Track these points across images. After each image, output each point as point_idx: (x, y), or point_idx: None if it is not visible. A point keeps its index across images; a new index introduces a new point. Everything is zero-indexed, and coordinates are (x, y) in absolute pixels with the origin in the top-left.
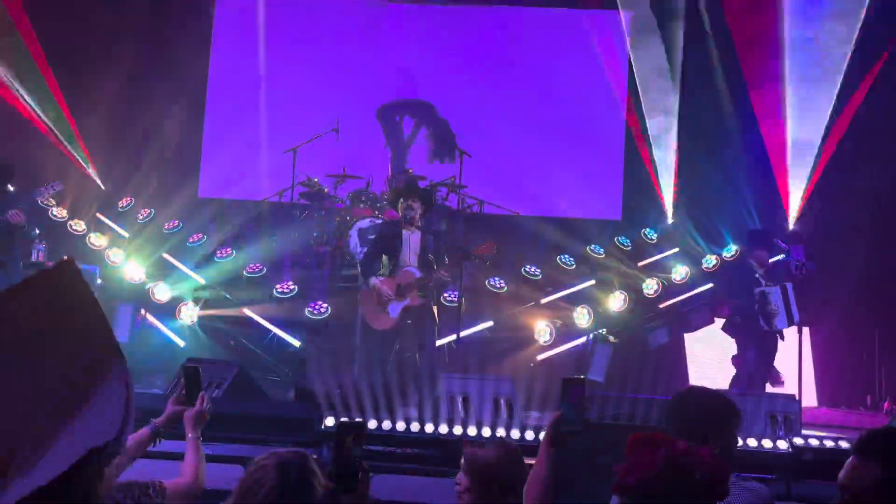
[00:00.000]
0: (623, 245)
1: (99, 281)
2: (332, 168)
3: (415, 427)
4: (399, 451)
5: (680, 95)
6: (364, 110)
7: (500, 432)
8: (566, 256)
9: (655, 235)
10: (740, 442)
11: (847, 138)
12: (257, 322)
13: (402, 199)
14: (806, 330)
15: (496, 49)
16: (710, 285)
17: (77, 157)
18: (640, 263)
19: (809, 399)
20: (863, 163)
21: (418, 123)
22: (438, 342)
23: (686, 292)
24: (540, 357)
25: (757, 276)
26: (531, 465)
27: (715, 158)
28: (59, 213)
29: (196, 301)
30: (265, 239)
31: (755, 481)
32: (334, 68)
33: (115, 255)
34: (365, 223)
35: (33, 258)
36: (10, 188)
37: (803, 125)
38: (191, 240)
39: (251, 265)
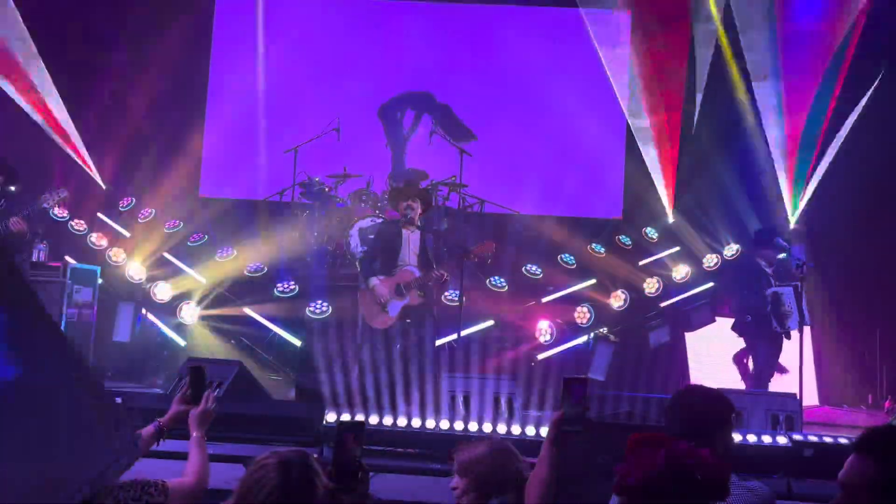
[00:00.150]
0: (624, 244)
1: (100, 280)
2: (333, 167)
3: (416, 423)
4: (400, 449)
5: (684, 94)
6: (365, 109)
7: (502, 429)
8: (567, 255)
9: (656, 234)
10: (740, 438)
11: (845, 135)
12: (258, 321)
13: (401, 199)
14: (807, 329)
15: (497, 48)
16: (710, 284)
17: (77, 156)
18: (641, 262)
19: (811, 398)
20: (863, 161)
21: (419, 114)
22: (439, 341)
23: (687, 291)
24: (540, 356)
25: (767, 273)
26: (531, 464)
27: (716, 157)
28: (59, 212)
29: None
30: (266, 238)
31: (756, 481)
32: (335, 68)
33: (116, 255)
34: (366, 222)
35: (34, 258)
36: (12, 188)
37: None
38: (192, 239)
39: (252, 265)
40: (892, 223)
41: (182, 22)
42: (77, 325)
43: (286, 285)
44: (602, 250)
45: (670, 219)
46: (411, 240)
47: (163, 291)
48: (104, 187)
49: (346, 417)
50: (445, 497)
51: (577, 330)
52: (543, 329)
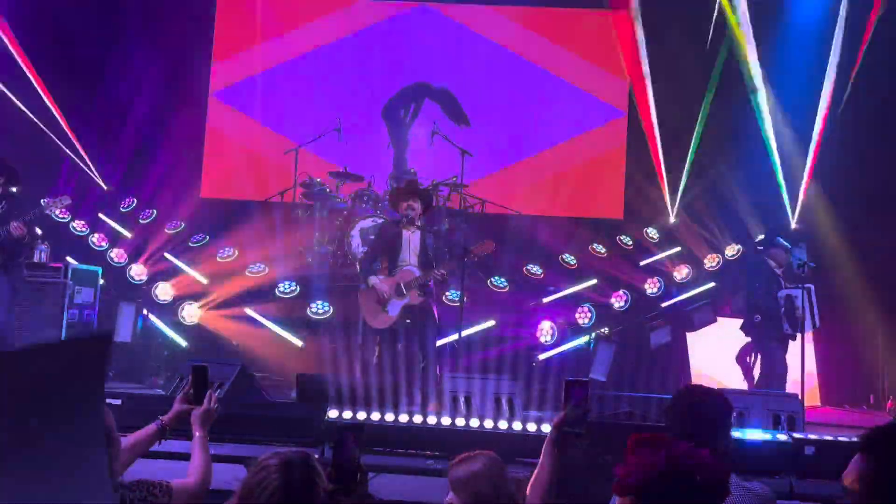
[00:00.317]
0: (625, 244)
1: (101, 281)
2: (334, 168)
3: (417, 419)
4: (401, 450)
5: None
6: (366, 110)
7: (503, 425)
8: (568, 255)
9: (657, 234)
10: (741, 435)
11: (845, 135)
12: (259, 321)
13: (402, 199)
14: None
15: (498, 48)
16: (711, 284)
17: (79, 157)
18: (643, 262)
19: (813, 398)
20: (864, 161)
21: (419, 102)
22: (440, 342)
23: (688, 291)
24: (541, 356)
25: (777, 275)
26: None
27: (718, 157)
28: (61, 214)
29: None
30: (267, 239)
31: (757, 481)
32: (336, 68)
33: (118, 256)
34: (367, 223)
35: (36, 259)
36: (14, 190)
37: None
38: (193, 240)
39: (253, 265)
40: (895, 223)
41: (183, 22)
42: (78, 326)
43: (287, 286)
44: (603, 250)
45: (671, 219)
46: (412, 240)
47: (164, 292)
48: (105, 188)
49: (347, 414)
50: (446, 497)
51: (578, 330)
52: (544, 329)
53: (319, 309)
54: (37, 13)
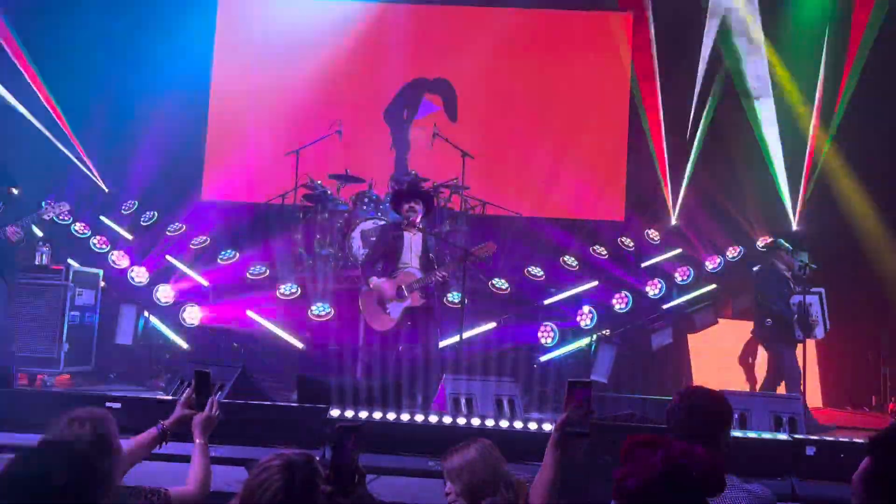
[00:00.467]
0: (626, 245)
1: (102, 284)
2: (335, 170)
3: (419, 418)
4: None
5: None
6: (367, 112)
7: (504, 423)
8: (569, 257)
9: (658, 236)
10: (743, 436)
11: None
12: (260, 323)
13: (403, 201)
14: None
15: (499, 50)
16: (713, 286)
17: (80, 160)
18: (644, 264)
19: (815, 400)
20: (864, 161)
21: (417, 100)
22: (441, 343)
23: (689, 293)
24: (543, 358)
25: (787, 278)
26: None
27: (719, 158)
28: (62, 217)
29: None
30: (268, 241)
31: (758, 483)
32: (337, 70)
33: (119, 258)
34: (368, 225)
35: (37, 261)
36: (15, 192)
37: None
38: (194, 242)
39: (254, 267)
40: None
41: (184, 25)
42: (79, 328)
43: (288, 287)
44: (604, 252)
45: (673, 220)
46: (413, 242)
47: (165, 294)
48: (106, 190)
49: (349, 414)
50: (445, 498)
51: (579, 332)
52: (546, 331)
53: (320, 311)
54: (39, 15)
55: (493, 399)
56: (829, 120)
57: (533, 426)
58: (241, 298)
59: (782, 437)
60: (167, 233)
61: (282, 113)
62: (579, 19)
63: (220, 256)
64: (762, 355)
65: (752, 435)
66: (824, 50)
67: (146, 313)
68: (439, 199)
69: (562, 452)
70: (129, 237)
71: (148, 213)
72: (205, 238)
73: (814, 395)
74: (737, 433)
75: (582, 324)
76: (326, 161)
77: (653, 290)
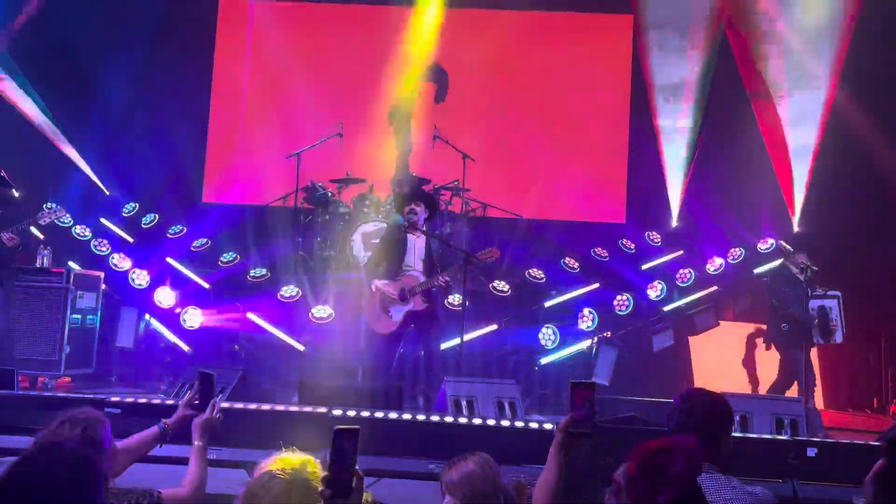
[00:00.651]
0: (627, 247)
1: (103, 286)
2: (336, 172)
3: (420, 417)
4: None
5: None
6: (368, 114)
7: (505, 422)
8: (570, 259)
9: (659, 238)
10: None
11: (845, 139)
12: (261, 325)
13: (405, 204)
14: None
15: (500, 52)
16: (714, 288)
17: (81, 162)
18: (645, 266)
19: (816, 402)
20: (864, 163)
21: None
22: (442, 346)
23: (690, 295)
24: (544, 360)
25: (800, 280)
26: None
27: (720, 161)
28: (63, 219)
29: None
30: (269, 243)
31: (759, 485)
32: (337, 73)
33: (120, 261)
34: (369, 227)
35: (38, 264)
36: (16, 194)
37: (804, 128)
38: (195, 245)
39: (255, 270)
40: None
41: (185, 28)
42: (80, 331)
43: (289, 290)
44: (605, 254)
45: (674, 222)
46: (417, 245)
47: (166, 297)
48: (107, 193)
49: (352, 413)
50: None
51: (580, 334)
52: (547, 333)
53: (321, 313)
54: (40, 18)
55: (493, 401)
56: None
57: (534, 425)
58: (242, 301)
59: (785, 440)
60: (168, 235)
61: (283, 115)
62: (580, 21)
63: (221, 259)
64: (763, 357)
65: (753, 439)
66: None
67: (147, 316)
68: (439, 202)
69: (565, 454)
70: (130, 240)
71: (149, 215)
72: (206, 240)
73: (816, 397)
74: (737, 434)
75: (583, 326)
76: (327, 164)
77: (654, 292)
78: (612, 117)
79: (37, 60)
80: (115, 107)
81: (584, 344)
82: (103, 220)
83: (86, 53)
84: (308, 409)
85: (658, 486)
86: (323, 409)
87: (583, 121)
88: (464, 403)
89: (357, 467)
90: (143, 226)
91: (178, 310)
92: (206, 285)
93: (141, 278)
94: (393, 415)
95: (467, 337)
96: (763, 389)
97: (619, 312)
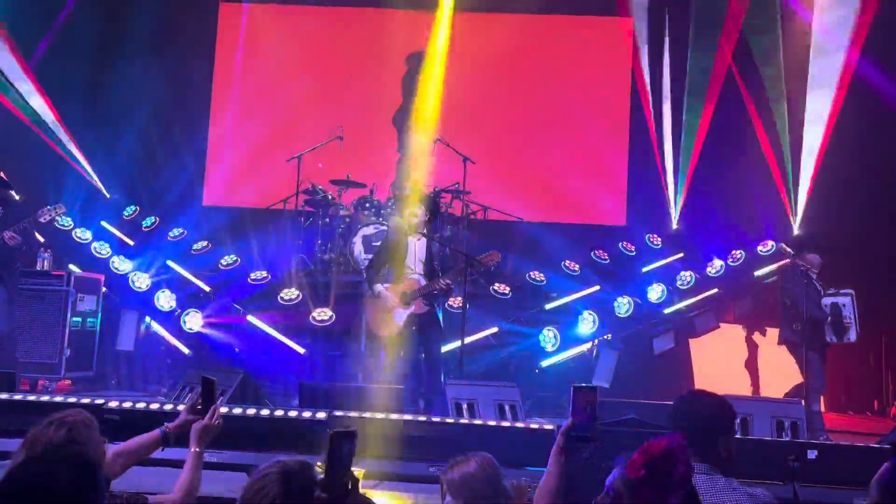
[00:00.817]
0: (627, 250)
1: (104, 289)
2: (336, 175)
3: (421, 419)
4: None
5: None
6: (368, 117)
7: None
8: (570, 262)
9: (660, 240)
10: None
11: (845, 141)
12: (262, 328)
13: (406, 206)
14: None
15: (500, 56)
16: (714, 290)
17: (81, 165)
18: (645, 269)
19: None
20: (864, 165)
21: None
22: (443, 348)
23: (690, 297)
24: (544, 363)
25: (813, 279)
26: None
27: (720, 164)
28: (63, 221)
29: None
30: (269, 246)
31: (760, 487)
32: (338, 76)
33: (120, 264)
34: (369, 230)
35: (38, 267)
36: (16, 196)
37: (806, 131)
38: (195, 247)
39: (255, 272)
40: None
41: (185, 31)
42: (80, 334)
43: (290, 293)
44: (606, 256)
45: (674, 225)
46: (417, 247)
47: (166, 299)
48: (108, 195)
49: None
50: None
51: (580, 337)
52: (547, 336)
53: (321, 316)
54: (38, 19)
55: (494, 404)
56: None
57: (535, 427)
58: (242, 303)
59: (785, 443)
60: (168, 238)
61: (283, 118)
62: (580, 25)
63: (222, 261)
64: (764, 360)
65: (754, 441)
66: None
67: (147, 319)
68: (440, 205)
69: (566, 457)
70: (131, 242)
71: (149, 218)
72: (206, 243)
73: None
74: (737, 436)
75: (583, 328)
76: (328, 167)
77: (654, 294)
78: (612, 120)
79: (40, 62)
80: (116, 109)
81: (585, 346)
82: (104, 223)
83: (87, 56)
84: (308, 412)
85: (667, 490)
86: (321, 419)
87: (583, 123)
88: (464, 406)
89: (353, 470)
90: (143, 228)
91: (178, 312)
92: (207, 288)
93: (141, 281)
94: (393, 417)
95: (468, 339)
96: (764, 391)
97: (620, 315)
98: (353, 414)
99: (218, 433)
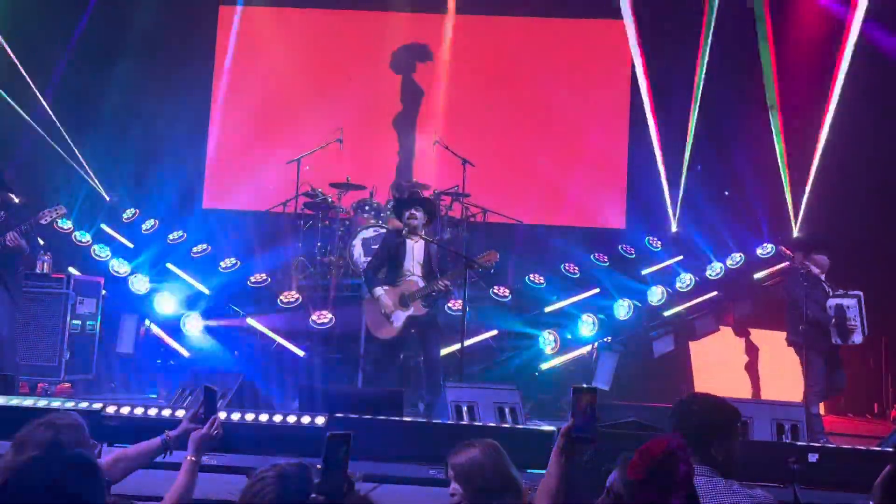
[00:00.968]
0: (627, 253)
1: (104, 292)
2: (336, 178)
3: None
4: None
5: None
6: (368, 120)
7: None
8: (570, 265)
9: (660, 243)
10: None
11: (845, 142)
12: (262, 332)
13: (405, 209)
14: None
15: (500, 58)
16: (714, 293)
17: (81, 168)
18: (645, 271)
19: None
20: (863, 168)
21: (416, 104)
22: (442, 351)
23: (690, 300)
24: (544, 366)
25: (821, 280)
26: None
27: (720, 166)
28: (63, 224)
29: None
30: (269, 249)
31: (760, 489)
32: (337, 78)
33: (120, 267)
34: (369, 233)
35: (38, 269)
36: (16, 199)
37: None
38: (195, 250)
39: (255, 275)
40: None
41: (185, 34)
42: (80, 337)
43: (290, 296)
44: (605, 259)
45: (674, 227)
46: (415, 249)
47: (166, 302)
48: (108, 198)
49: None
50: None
51: (580, 339)
52: (547, 339)
53: (321, 319)
54: (42, 24)
55: (494, 407)
56: None
57: (535, 429)
58: (242, 306)
59: (786, 445)
60: (168, 240)
61: (283, 121)
62: (580, 27)
63: (221, 264)
64: (764, 362)
65: (754, 444)
66: None
67: (147, 322)
68: (440, 207)
69: (566, 459)
70: (130, 245)
71: (149, 220)
72: (206, 246)
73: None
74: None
75: (583, 331)
76: (328, 169)
77: (654, 297)
78: (611, 123)
79: (40, 65)
80: (116, 112)
81: (585, 349)
82: (103, 226)
83: (87, 60)
84: (308, 415)
85: (669, 490)
86: (320, 426)
87: (582, 126)
88: (464, 409)
89: (348, 473)
90: (143, 231)
91: (178, 314)
92: (207, 291)
93: (141, 284)
94: (393, 420)
95: (468, 342)
96: (765, 394)
97: (620, 318)
98: (352, 416)
99: (216, 443)
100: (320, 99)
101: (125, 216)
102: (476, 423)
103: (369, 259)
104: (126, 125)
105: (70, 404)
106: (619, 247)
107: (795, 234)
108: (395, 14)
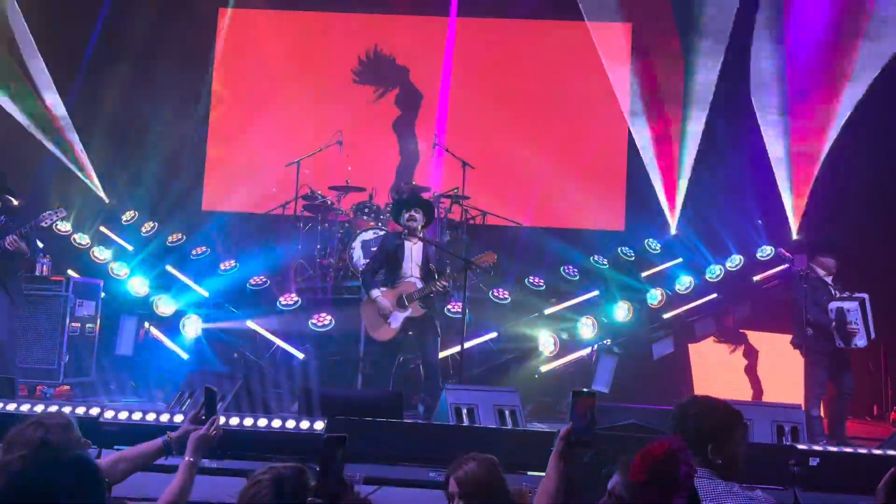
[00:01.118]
0: (626, 255)
1: (103, 294)
2: (335, 180)
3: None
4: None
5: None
6: (367, 122)
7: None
8: (569, 267)
9: (659, 246)
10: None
11: (846, 145)
12: (261, 334)
13: (404, 211)
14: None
15: (500, 61)
16: (713, 295)
17: (80, 170)
18: (644, 274)
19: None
20: (864, 169)
21: (415, 109)
22: (442, 353)
23: (690, 302)
24: (544, 368)
25: (827, 283)
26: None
27: (719, 168)
28: (62, 226)
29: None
30: (268, 251)
31: (760, 491)
32: (337, 80)
33: (119, 269)
34: (368, 235)
35: (37, 272)
36: (15, 202)
37: (805, 134)
38: (194, 252)
39: (255, 278)
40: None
41: (185, 36)
42: (79, 339)
43: (289, 298)
44: (604, 262)
45: (673, 230)
46: (414, 251)
47: (165, 305)
48: (107, 201)
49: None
50: None
51: (580, 342)
52: (547, 341)
53: (320, 321)
54: (42, 25)
55: (494, 409)
56: None
57: (535, 431)
58: (241, 308)
59: (785, 446)
60: (167, 243)
61: (282, 123)
62: (579, 30)
63: (221, 266)
64: (764, 364)
65: (754, 446)
66: None
67: (146, 324)
68: (439, 210)
69: (565, 462)
70: (130, 247)
71: (148, 223)
72: (205, 248)
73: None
74: None
75: (583, 333)
76: (327, 171)
77: (653, 299)
78: (610, 125)
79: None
80: (115, 114)
81: (584, 352)
82: (103, 229)
83: (87, 60)
84: (307, 418)
85: (671, 491)
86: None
87: (582, 128)
88: (464, 411)
89: (344, 475)
90: (142, 234)
91: (177, 317)
92: (206, 293)
93: (140, 286)
94: (393, 422)
95: (467, 344)
96: (764, 396)
97: (619, 320)
98: (352, 419)
99: (215, 444)
100: (320, 101)
101: (124, 218)
102: (476, 426)
103: (368, 261)
104: (126, 127)
105: (67, 409)
106: (619, 249)
107: (794, 236)
108: (395, 16)
